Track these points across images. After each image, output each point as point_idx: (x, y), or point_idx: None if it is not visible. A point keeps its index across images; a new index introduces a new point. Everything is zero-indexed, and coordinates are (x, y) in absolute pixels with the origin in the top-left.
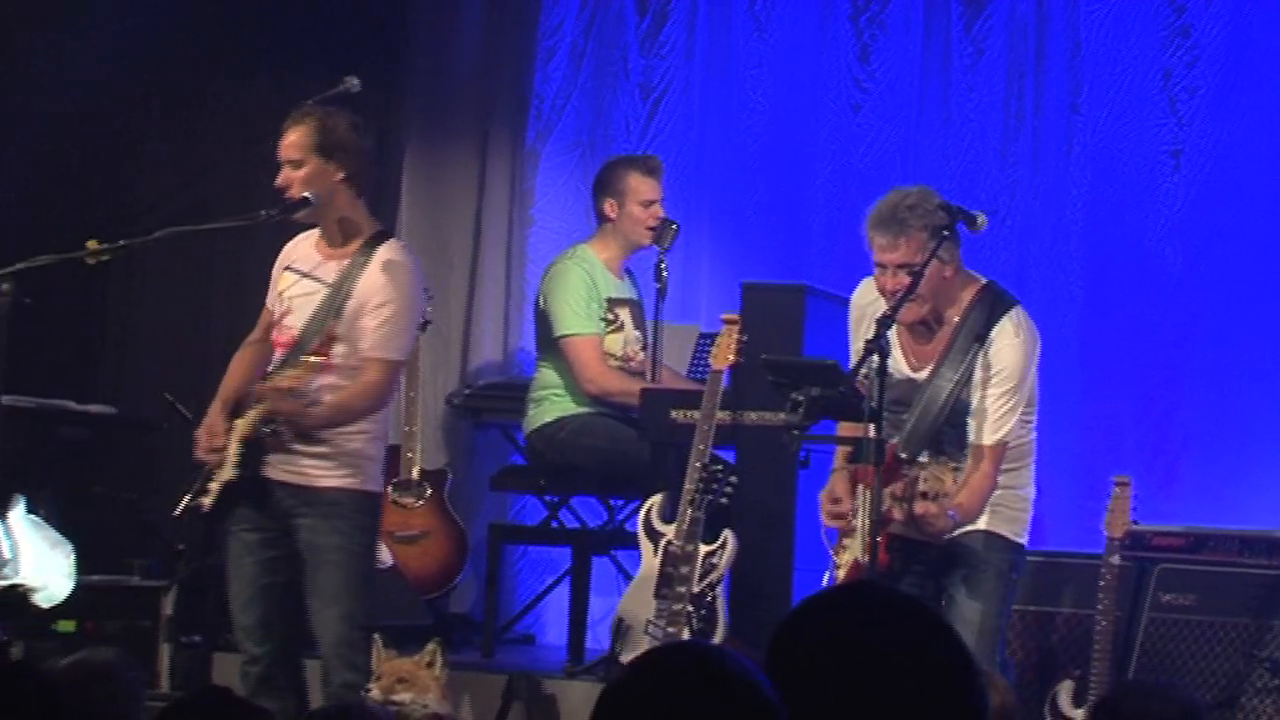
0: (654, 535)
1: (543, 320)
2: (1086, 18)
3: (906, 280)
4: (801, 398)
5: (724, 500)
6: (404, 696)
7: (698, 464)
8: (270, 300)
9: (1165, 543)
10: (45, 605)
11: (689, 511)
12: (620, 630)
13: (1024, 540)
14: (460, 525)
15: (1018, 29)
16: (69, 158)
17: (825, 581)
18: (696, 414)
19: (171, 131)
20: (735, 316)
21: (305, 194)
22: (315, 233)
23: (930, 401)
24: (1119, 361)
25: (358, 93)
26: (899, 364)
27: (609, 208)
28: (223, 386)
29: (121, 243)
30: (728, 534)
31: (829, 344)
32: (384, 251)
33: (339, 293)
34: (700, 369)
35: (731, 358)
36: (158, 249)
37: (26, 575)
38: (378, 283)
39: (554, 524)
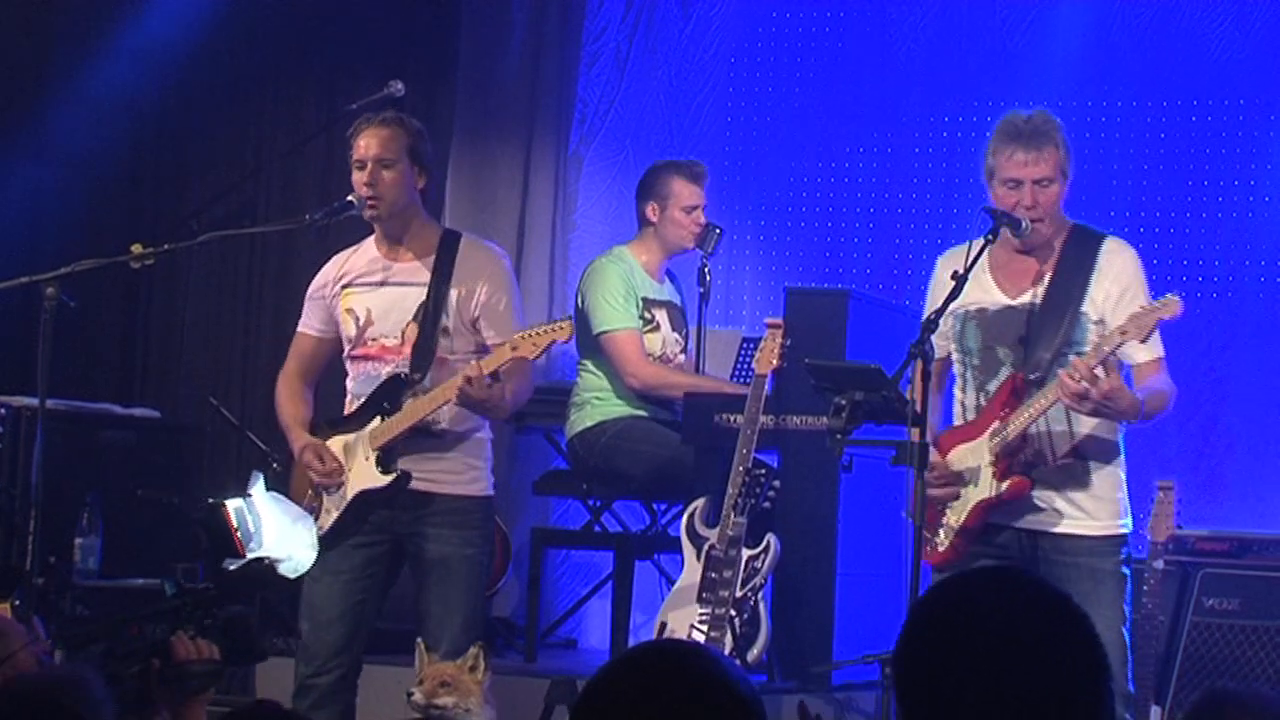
0: (697, 539)
1: (582, 320)
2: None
3: (1044, 198)
4: (845, 402)
5: (767, 504)
6: (446, 700)
7: (741, 468)
8: (311, 325)
9: (1209, 547)
10: (291, 575)
11: (732, 516)
12: (662, 635)
13: (1129, 526)
14: (503, 529)
15: (1062, 37)
16: (115, 163)
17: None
18: (740, 418)
19: (217, 136)
20: (779, 321)
21: (350, 197)
22: (367, 246)
23: (1047, 322)
24: None
25: (401, 96)
26: (991, 294)
27: (650, 211)
28: (289, 416)
29: (166, 246)
30: (771, 538)
31: (872, 348)
32: (470, 243)
33: (439, 288)
34: (744, 374)
35: (775, 362)
36: (202, 253)
37: (269, 548)
38: (481, 274)
39: (596, 528)
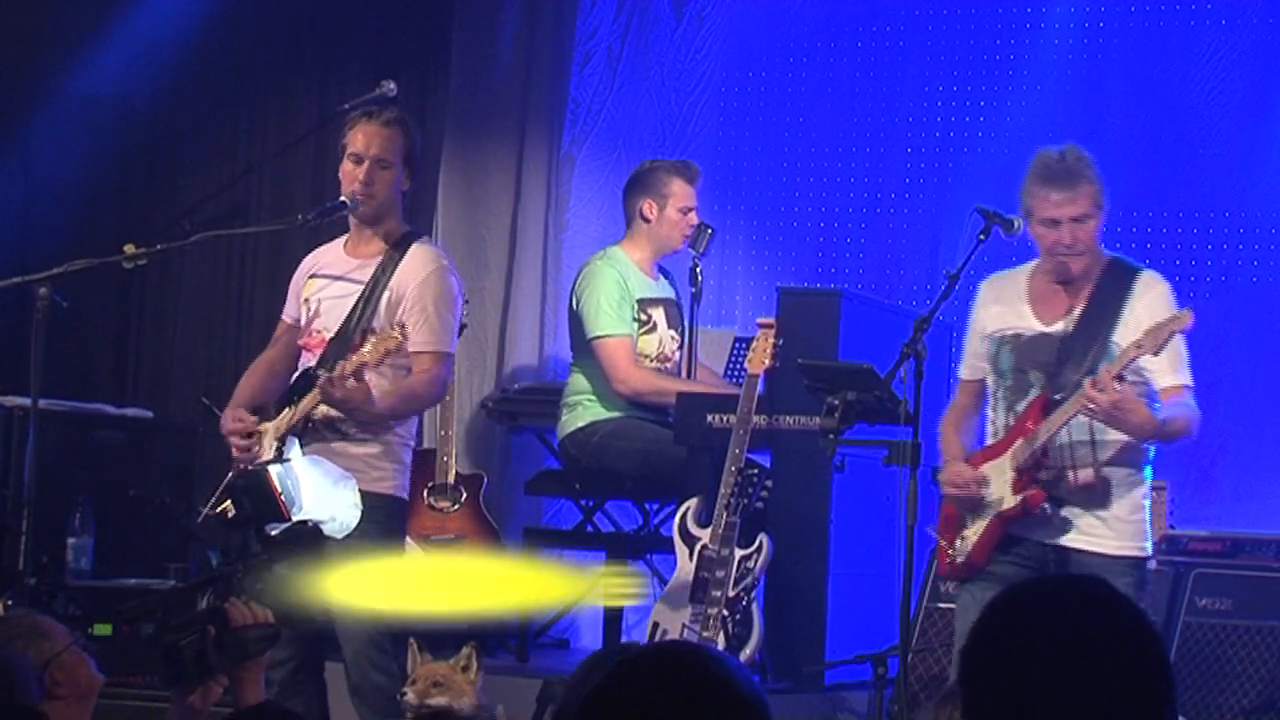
0: (689, 539)
1: (576, 322)
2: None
3: (1083, 234)
4: (837, 402)
5: (759, 504)
6: (439, 700)
7: (733, 468)
8: (289, 312)
9: (1202, 547)
10: (339, 535)
11: (724, 516)
12: (655, 635)
13: (1149, 550)
14: (495, 529)
15: (1056, 36)
16: (107, 162)
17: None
18: (732, 418)
19: (209, 136)
20: (771, 321)
21: (344, 198)
22: (340, 241)
23: (1077, 348)
24: None
25: (394, 96)
26: (1027, 321)
27: (647, 208)
28: (237, 395)
29: (159, 246)
30: (763, 538)
31: (864, 348)
32: (417, 249)
33: (375, 289)
34: (736, 373)
35: (767, 362)
36: (194, 253)
37: (310, 510)
38: (414, 280)
39: (589, 528)
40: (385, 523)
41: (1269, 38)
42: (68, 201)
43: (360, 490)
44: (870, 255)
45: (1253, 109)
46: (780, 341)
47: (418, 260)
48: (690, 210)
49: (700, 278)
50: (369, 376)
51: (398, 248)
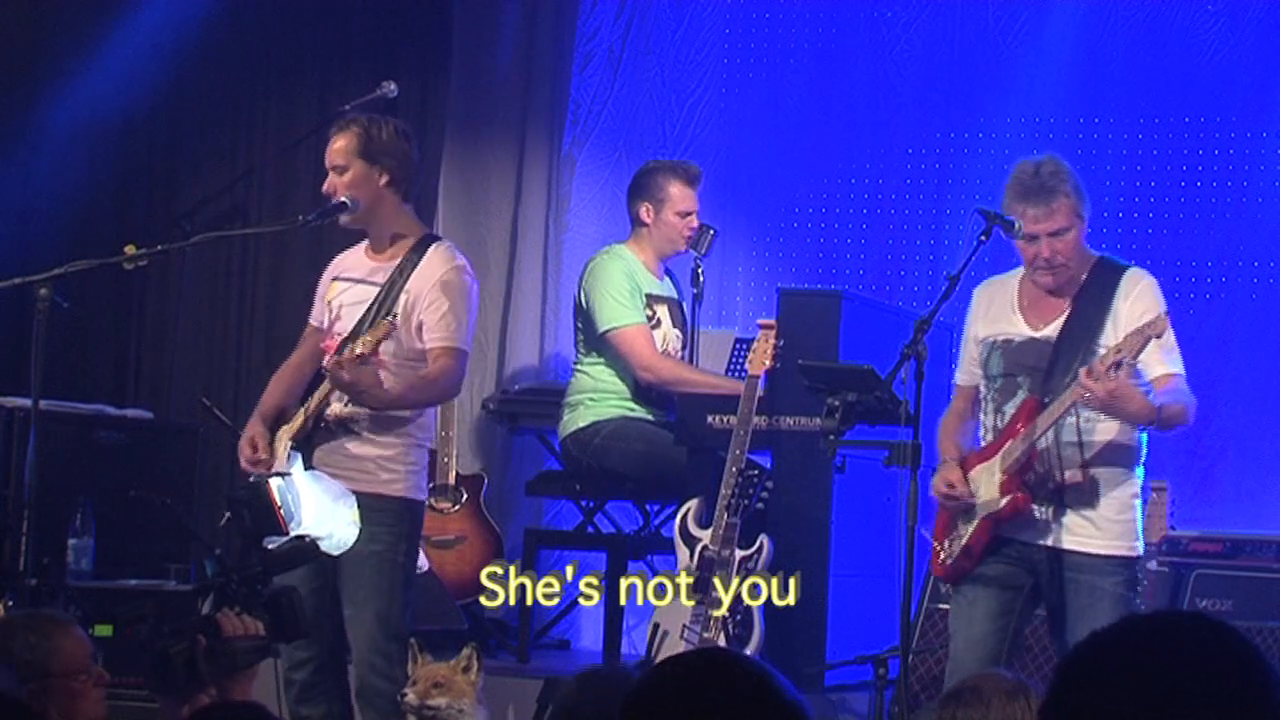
0: (690, 540)
1: (584, 318)
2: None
3: (1062, 246)
4: (838, 403)
5: (760, 505)
6: (440, 701)
7: (734, 469)
8: (315, 315)
9: (1202, 548)
10: (335, 552)
11: (725, 517)
12: (656, 635)
13: (1140, 549)
14: (496, 530)
15: (1055, 39)
16: (107, 163)
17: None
18: (733, 419)
19: (209, 137)
20: (771, 322)
21: (343, 198)
22: (364, 243)
23: (1065, 351)
24: None
25: (395, 97)
26: (1017, 326)
27: (645, 212)
28: (262, 403)
29: (159, 247)
30: (763, 539)
31: (865, 349)
32: (435, 251)
33: (391, 290)
34: (737, 374)
35: (768, 363)
36: (196, 254)
37: (309, 526)
38: (431, 279)
39: (589, 529)
40: (394, 525)
41: (1269, 38)
42: (68, 202)
43: (370, 493)
44: (870, 256)
45: (1253, 109)
46: (781, 342)
47: (435, 262)
48: (689, 213)
49: (702, 279)
50: (381, 374)
51: (416, 250)
